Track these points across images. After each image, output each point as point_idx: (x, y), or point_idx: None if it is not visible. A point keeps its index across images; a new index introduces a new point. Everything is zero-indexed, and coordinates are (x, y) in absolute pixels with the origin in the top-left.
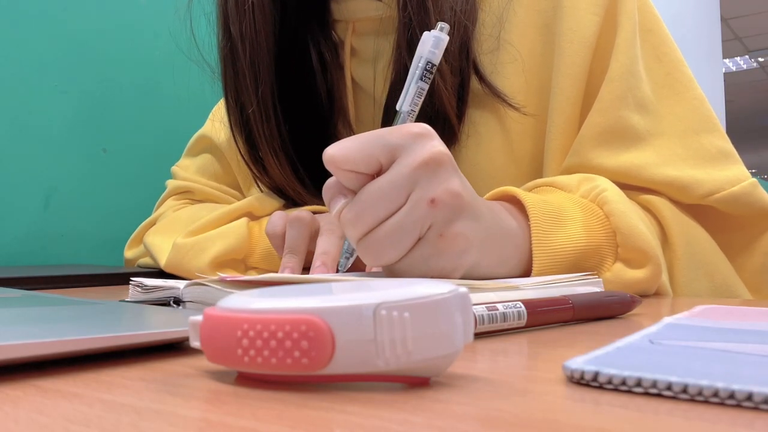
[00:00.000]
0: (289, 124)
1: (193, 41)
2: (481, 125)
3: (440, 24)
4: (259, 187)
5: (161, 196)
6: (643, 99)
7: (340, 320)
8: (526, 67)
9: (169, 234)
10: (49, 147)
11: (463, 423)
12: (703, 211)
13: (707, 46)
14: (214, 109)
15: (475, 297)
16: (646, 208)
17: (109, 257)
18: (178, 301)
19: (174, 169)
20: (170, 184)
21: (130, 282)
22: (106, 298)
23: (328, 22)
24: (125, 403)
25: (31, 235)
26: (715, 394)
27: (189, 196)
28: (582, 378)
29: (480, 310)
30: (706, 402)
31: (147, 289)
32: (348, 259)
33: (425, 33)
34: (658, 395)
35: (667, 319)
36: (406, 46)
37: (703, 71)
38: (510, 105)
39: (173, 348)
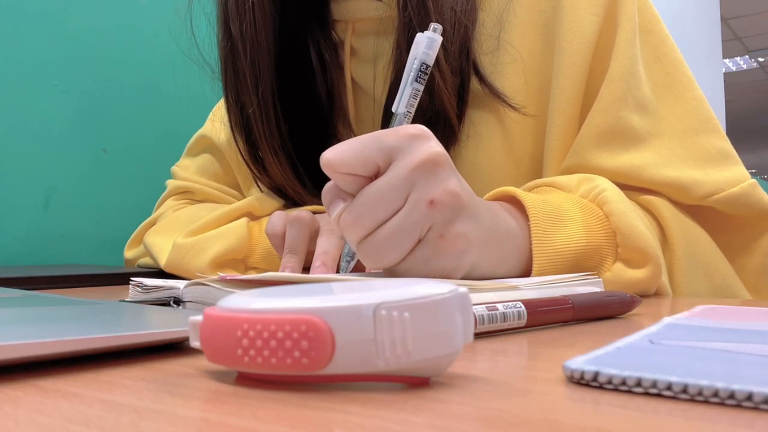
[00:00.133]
0: (289, 124)
1: (193, 41)
2: (481, 125)
3: (433, 25)
4: (259, 187)
5: (161, 196)
6: (643, 99)
7: (340, 320)
8: (526, 67)
9: (169, 234)
10: (49, 147)
11: (463, 423)
12: (703, 211)
13: (707, 46)
14: (214, 108)
15: (475, 297)
16: (646, 209)
17: (109, 257)
18: (178, 301)
19: (174, 169)
20: (170, 184)
21: (130, 282)
22: (106, 298)
23: (328, 22)
24: (125, 403)
25: (31, 235)
26: (715, 394)
27: (189, 196)
28: (582, 378)
29: (480, 310)
30: (706, 402)
31: (147, 289)
32: (349, 262)
33: (419, 34)
34: (658, 395)
35: (667, 319)
36: (406, 47)
37: (703, 71)
38: (510, 105)
39: (173, 348)
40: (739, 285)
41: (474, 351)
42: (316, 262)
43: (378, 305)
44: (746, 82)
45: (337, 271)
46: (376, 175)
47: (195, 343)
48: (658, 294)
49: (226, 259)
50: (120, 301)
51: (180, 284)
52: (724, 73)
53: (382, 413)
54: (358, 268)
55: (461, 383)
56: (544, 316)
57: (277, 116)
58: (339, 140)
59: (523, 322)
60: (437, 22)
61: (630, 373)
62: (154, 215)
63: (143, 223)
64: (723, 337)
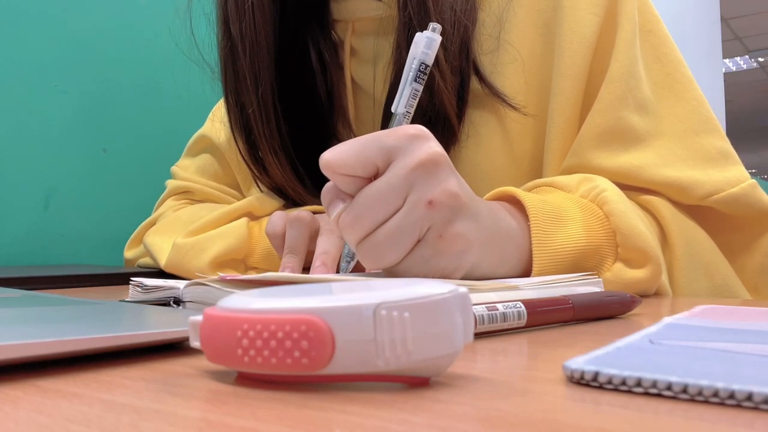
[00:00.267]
0: (288, 124)
1: (193, 41)
2: (481, 125)
3: (432, 25)
4: (259, 187)
5: (161, 196)
6: (643, 100)
7: (340, 320)
8: (526, 67)
9: (168, 234)
10: (49, 147)
11: (463, 423)
12: (703, 212)
13: (707, 46)
14: (213, 108)
15: (475, 297)
16: (646, 209)
17: (109, 257)
18: (178, 301)
19: (174, 169)
20: (170, 184)
21: (130, 282)
22: (106, 298)
23: (328, 22)
24: (125, 403)
25: (31, 235)
26: (715, 394)
27: (189, 196)
28: (582, 378)
29: (480, 310)
30: (706, 402)
31: (147, 289)
32: (349, 263)
33: (418, 34)
34: (658, 395)
35: (667, 319)
36: (406, 46)
37: (703, 71)
38: (510, 105)
39: (173, 348)
40: (739, 285)
41: (474, 351)
42: (316, 262)
43: (378, 305)
44: (746, 82)
45: (337, 272)
46: (376, 176)
47: (195, 343)
48: (658, 294)
49: (226, 259)
50: (120, 301)
51: (180, 284)
52: (724, 73)
53: (382, 413)
54: (358, 269)
55: (461, 383)
56: (544, 316)
57: (276, 116)
58: (339, 140)
59: (523, 322)
60: (437, 21)
61: (630, 373)
62: (153, 215)
63: (143, 223)
64: (723, 337)
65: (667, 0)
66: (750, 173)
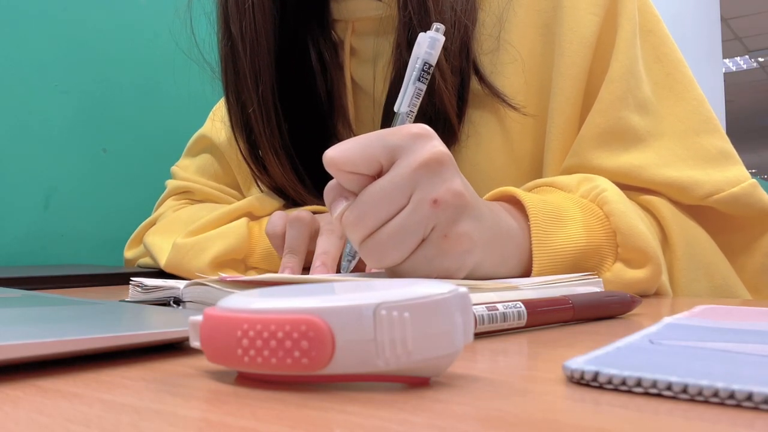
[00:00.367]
0: (288, 123)
1: (193, 41)
2: (481, 125)
3: (436, 25)
4: (259, 186)
5: (161, 196)
6: (643, 99)
7: (340, 320)
8: (526, 67)
9: (168, 234)
10: (49, 147)
11: (463, 423)
12: (703, 212)
13: (707, 46)
14: (213, 108)
15: (475, 297)
16: (646, 209)
17: (109, 257)
18: (178, 301)
19: (174, 169)
20: (170, 184)
21: (130, 282)
22: (106, 298)
23: (328, 22)
24: (125, 403)
25: (31, 235)
26: (715, 394)
27: (189, 196)
28: (582, 378)
29: (480, 310)
30: (706, 402)
31: (147, 289)
32: (350, 261)
33: (421, 34)
34: (658, 395)
35: (667, 319)
36: (406, 46)
37: (703, 71)
38: (510, 105)
39: (173, 348)
40: (740, 285)
41: (474, 351)
42: (316, 262)
43: (378, 305)
44: (746, 82)
45: (338, 271)
46: (379, 174)
47: (195, 343)
48: (658, 294)
49: (226, 259)
50: (120, 301)
51: (180, 284)
52: (724, 73)
53: (382, 413)
54: (359, 268)
55: (461, 383)
56: (544, 316)
57: (277, 115)
58: (339, 140)
59: (523, 322)
60: (437, 21)
61: (630, 373)
62: (153, 215)
63: (143, 223)
64: (723, 337)
65: (667, 0)
66: (750, 173)
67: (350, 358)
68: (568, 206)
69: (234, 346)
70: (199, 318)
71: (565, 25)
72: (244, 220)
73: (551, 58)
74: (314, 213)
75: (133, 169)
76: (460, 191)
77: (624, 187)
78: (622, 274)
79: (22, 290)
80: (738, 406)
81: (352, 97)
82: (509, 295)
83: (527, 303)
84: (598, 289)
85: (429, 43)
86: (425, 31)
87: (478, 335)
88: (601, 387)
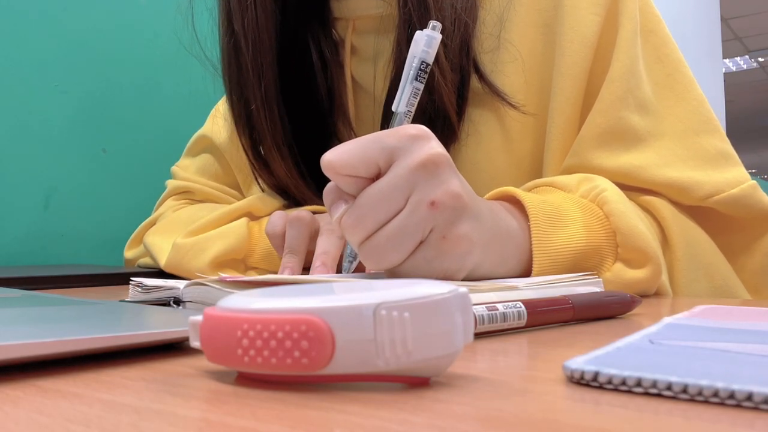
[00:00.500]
0: (290, 121)
1: (195, 38)
2: (481, 124)
3: (432, 23)
4: (260, 186)
5: (161, 196)
6: (644, 100)
7: (340, 320)
8: (526, 66)
9: (168, 234)
10: (49, 147)
11: (463, 423)
12: (703, 212)
13: (707, 46)
14: (213, 109)
15: (475, 297)
16: (646, 209)
17: (109, 257)
18: (178, 301)
19: (174, 169)
20: (170, 184)
21: (130, 282)
22: (106, 298)
23: (329, 21)
24: (125, 403)
25: (31, 235)
26: (715, 394)
27: (189, 196)
28: (582, 378)
29: (480, 310)
30: (706, 402)
31: (147, 289)
32: (351, 263)
33: (418, 32)
34: (658, 395)
35: (667, 319)
36: (406, 44)
37: (703, 71)
38: (509, 104)
39: (173, 348)
40: (740, 285)
41: (474, 351)
42: (316, 262)
43: (378, 305)
44: (746, 82)
45: (339, 271)
46: (378, 176)
47: (195, 343)
48: (658, 294)
49: (226, 259)
50: (120, 301)
51: (180, 284)
52: (724, 73)
53: (382, 413)
54: (360, 269)
55: (461, 383)
56: (544, 316)
57: (280, 111)
58: (339, 139)
59: (523, 322)
60: (437, 19)
61: (630, 373)
62: (154, 215)
63: (143, 223)
64: (723, 337)
65: (667, 0)
66: (750, 173)
67: (350, 358)
68: (568, 206)
69: (234, 346)
70: (199, 318)
71: (566, 25)
72: (244, 220)
73: (552, 58)
74: (314, 213)
75: (133, 169)
76: (457, 192)
77: (624, 188)
78: (622, 274)
79: (22, 290)
80: (738, 406)
81: (352, 96)
82: (509, 295)
83: (527, 303)
84: (598, 289)
85: (426, 42)
86: (419, 30)
87: (478, 335)
88: (601, 387)
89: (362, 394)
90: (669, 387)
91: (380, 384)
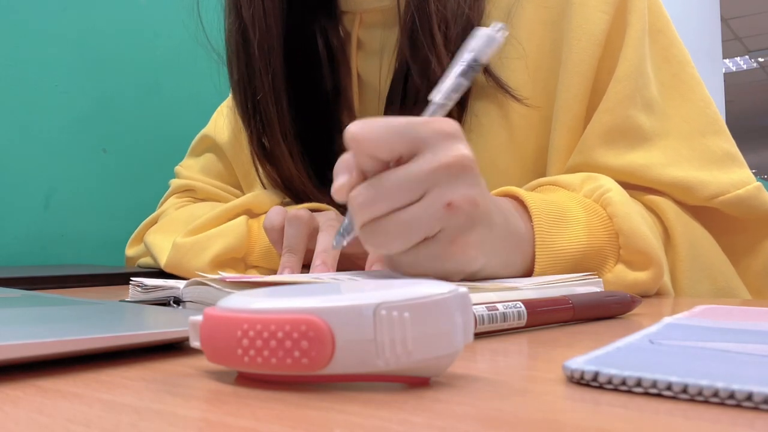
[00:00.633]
0: (295, 113)
1: (200, 28)
2: (484, 117)
3: (497, 24)
4: (261, 181)
5: (164, 195)
6: (651, 99)
7: (340, 320)
8: (532, 63)
9: (169, 233)
10: (50, 147)
11: (463, 423)
12: (707, 213)
13: (707, 46)
14: (217, 110)
15: (475, 297)
16: (650, 209)
17: (110, 257)
18: (178, 301)
19: (177, 168)
20: (173, 183)
21: (130, 282)
22: (106, 298)
23: (336, 14)
24: (125, 403)
25: (32, 236)
26: (715, 394)
27: (191, 194)
28: (582, 378)
29: (480, 310)
30: (706, 402)
31: (147, 289)
32: (344, 237)
33: (479, 28)
34: (658, 395)
35: (667, 319)
36: (408, 36)
37: (703, 71)
38: (513, 97)
39: (173, 348)
40: (742, 287)
41: (474, 351)
42: (317, 261)
43: (378, 305)
44: (746, 82)
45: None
46: (398, 162)
47: (195, 343)
48: (659, 294)
49: (226, 258)
50: (120, 301)
51: (180, 284)
52: (724, 73)
53: (382, 413)
54: (359, 266)
55: (461, 383)
56: (544, 316)
57: (287, 102)
58: (343, 131)
59: (523, 322)
60: (439, 8)
61: (630, 373)
62: (155, 213)
63: (145, 221)
64: (723, 337)
65: (667, 0)
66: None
67: (350, 358)
68: (572, 206)
69: (234, 346)
70: (199, 318)
71: (574, 22)
72: (243, 218)
73: (559, 55)
74: (313, 210)
75: (134, 169)
76: (476, 200)
77: (629, 187)
78: (623, 276)
79: (22, 290)
80: (738, 406)
81: (357, 89)
82: (509, 295)
83: (527, 303)
84: (598, 290)
85: (485, 41)
86: (481, 27)
87: (478, 335)
88: (601, 387)
89: (362, 394)
90: (669, 387)
91: (380, 384)
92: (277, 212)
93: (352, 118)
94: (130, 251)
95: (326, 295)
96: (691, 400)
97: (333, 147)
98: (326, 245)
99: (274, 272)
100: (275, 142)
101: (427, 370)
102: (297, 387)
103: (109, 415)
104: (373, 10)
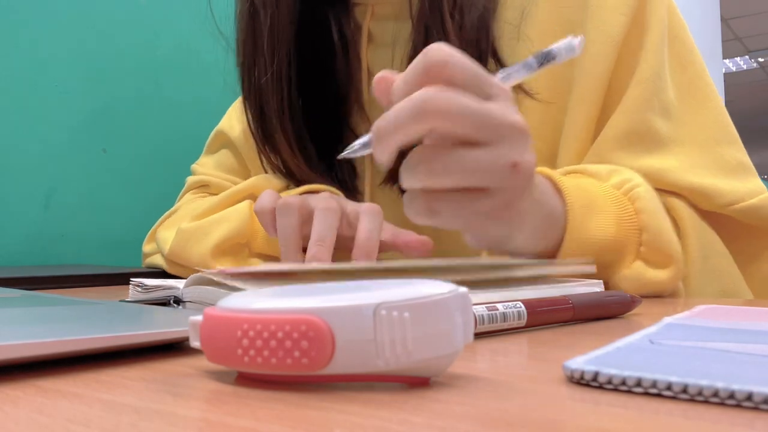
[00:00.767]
0: (303, 102)
1: (210, 13)
2: None
3: (581, 37)
4: (263, 167)
5: (181, 192)
6: (668, 104)
7: (340, 320)
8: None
9: (177, 227)
10: (50, 147)
11: (463, 423)
12: (718, 218)
13: (707, 46)
14: (230, 107)
15: (475, 297)
16: (666, 210)
17: (110, 257)
18: (178, 301)
19: (193, 166)
20: (189, 180)
21: (130, 282)
22: (106, 298)
23: (348, 5)
24: (125, 403)
25: (32, 236)
26: (715, 394)
27: (206, 189)
28: (582, 378)
29: (480, 310)
30: (706, 402)
31: (147, 289)
32: (356, 150)
33: (568, 37)
34: (658, 395)
35: (667, 319)
36: (423, 29)
37: None
38: (525, 92)
39: (173, 348)
40: (748, 293)
41: (474, 351)
42: (312, 249)
43: (378, 305)
44: (746, 82)
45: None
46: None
47: (195, 343)
48: (671, 295)
49: (230, 243)
50: (120, 301)
51: (180, 284)
52: (724, 74)
53: (382, 413)
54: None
55: (461, 383)
56: (544, 316)
57: (290, 89)
58: (351, 126)
59: (523, 322)
60: (456, 4)
61: (630, 373)
62: (171, 209)
63: (161, 218)
64: (723, 337)
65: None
66: None
67: (350, 358)
68: (603, 197)
69: (234, 346)
70: (199, 318)
71: (591, 23)
72: (246, 202)
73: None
74: (308, 192)
75: (134, 169)
76: (534, 165)
77: None
78: (642, 273)
79: (22, 290)
80: (738, 406)
81: (367, 80)
82: (509, 295)
83: (527, 303)
84: (598, 289)
85: (565, 44)
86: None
87: (478, 335)
88: (601, 387)
89: (362, 394)
90: (669, 387)
91: (380, 384)
92: (268, 194)
93: (362, 109)
94: (147, 247)
95: (326, 295)
96: (691, 400)
97: (341, 140)
98: (322, 233)
99: (277, 260)
100: (274, 128)
101: (427, 370)
102: (297, 387)
103: (109, 415)
104: (385, 2)
